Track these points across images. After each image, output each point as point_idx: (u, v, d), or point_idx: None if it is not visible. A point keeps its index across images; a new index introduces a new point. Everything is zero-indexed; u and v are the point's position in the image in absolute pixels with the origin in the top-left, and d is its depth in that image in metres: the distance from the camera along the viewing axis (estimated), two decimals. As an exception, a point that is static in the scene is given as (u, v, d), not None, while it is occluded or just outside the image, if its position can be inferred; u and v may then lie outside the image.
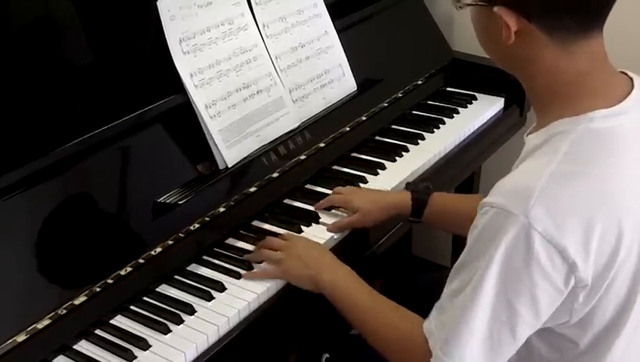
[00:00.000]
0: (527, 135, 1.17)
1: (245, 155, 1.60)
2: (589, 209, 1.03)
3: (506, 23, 1.06)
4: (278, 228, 1.54)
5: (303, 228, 1.54)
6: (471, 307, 1.06)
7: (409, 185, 1.64)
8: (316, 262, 1.38)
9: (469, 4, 1.14)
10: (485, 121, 2.04)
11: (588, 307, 1.08)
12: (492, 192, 1.09)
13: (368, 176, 1.73)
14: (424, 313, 1.27)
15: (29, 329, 1.19)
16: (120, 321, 1.31)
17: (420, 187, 1.60)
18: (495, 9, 1.07)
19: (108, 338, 1.27)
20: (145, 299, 1.35)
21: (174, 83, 1.51)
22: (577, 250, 1.02)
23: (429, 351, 1.12)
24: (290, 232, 1.51)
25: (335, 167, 1.78)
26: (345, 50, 1.88)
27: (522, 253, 1.02)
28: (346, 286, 1.33)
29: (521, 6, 1.05)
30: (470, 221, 1.49)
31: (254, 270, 1.41)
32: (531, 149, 1.11)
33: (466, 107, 2.08)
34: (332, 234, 1.52)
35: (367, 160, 1.81)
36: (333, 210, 1.60)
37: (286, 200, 1.65)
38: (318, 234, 1.52)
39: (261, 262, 1.43)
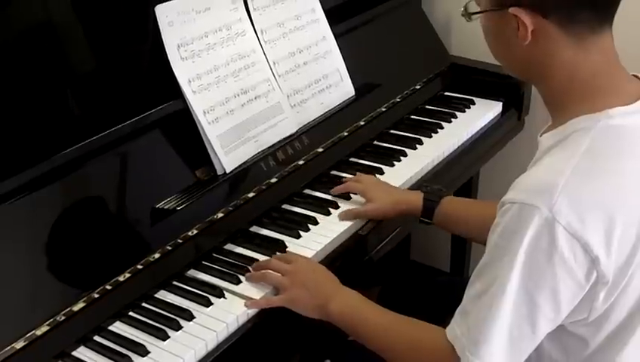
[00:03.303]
0: (541, 135, 1.17)
1: (244, 161, 1.60)
2: (611, 204, 1.04)
3: (522, 22, 1.08)
4: (277, 234, 1.54)
5: (301, 233, 1.54)
6: (497, 305, 1.07)
7: (423, 187, 1.65)
8: (322, 290, 1.35)
9: (480, 12, 1.16)
10: (483, 125, 2.04)
11: (607, 304, 1.08)
12: (511, 189, 1.09)
13: (367, 181, 1.73)
14: (424, 317, 1.27)
15: (28, 335, 1.19)
16: (118, 327, 1.31)
17: (434, 189, 1.62)
18: (510, 10, 1.08)
19: (106, 344, 1.27)
20: (143, 305, 1.35)
21: (172, 89, 1.51)
22: (600, 245, 1.03)
23: (457, 358, 1.12)
24: (293, 253, 1.47)
25: (333, 172, 1.78)
26: (343, 56, 1.88)
27: (545, 247, 1.03)
28: (357, 311, 1.31)
29: (537, 3, 1.07)
30: (479, 226, 1.49)
31: (257, 298, 1.36)
32: (549, 147, 1.12)
33: (464, 111, 2.08)
34: (330, 238, 1.52)
35: (365, 165, 1.81)
36: (332, 213, 1.60)
37: (285, 206, 1.65)
38: (317, 239, 1.52)
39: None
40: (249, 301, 1.35)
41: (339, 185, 1.70)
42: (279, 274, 1.38)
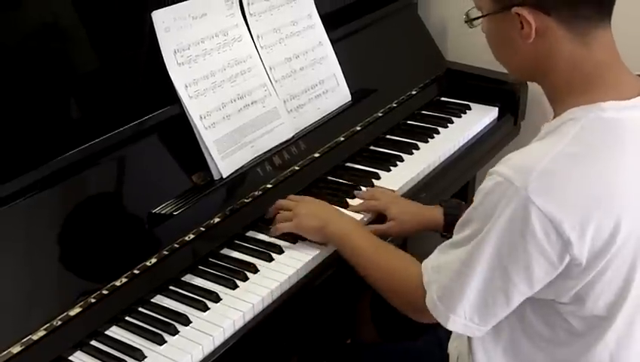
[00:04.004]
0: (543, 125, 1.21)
1: (240, 166, 1.60)
2: (591, 191, 1.07)
3: (526, 21, 1.10)
4: (274, 239, 1.54)
5: (298, 238, 1.53)
6: (469, 266, 1.12)
7: (442, 201, 1.66)
8: (323, 215, 1.51)
9: (483, 16, 1.18)
10: (479, 130, 2.05)
11: (579, 286, 1.11)
12: (501, 162, 1.13)
13: (363, 187, 1.73)
14: (416, 324, 1.29)
15: (24, 340, 1.19)
16: (115, 332, 1.31)
17: (453, 203, 1.64)
18: (513, 10, 1.11)
19: (103, 349, 1.27)
20: (140, 309, 1.35)
21: (169, 94, 1.52)
22: (573, 228, 1.05)
23: (424, 297, 1.20)
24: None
25: (330, 177, 1.78)
26: (339, 61, 1.89)
27: (520, 225, 1.06)
28: (351, 234, 1.45)
29: (539, 1, 1.09)
30: None
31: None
32: (543, 134, 1.15)
33: (460, 117, 2.08)
34: (325, 245, 1.52)
35: (361, 170, 1.82)
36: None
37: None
38: (313, 245, 1.52)
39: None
40: (272, 229, 1.53)
41: (335, 190, 1.71)
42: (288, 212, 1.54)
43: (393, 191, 1.71)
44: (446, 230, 1.59)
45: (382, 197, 1.65)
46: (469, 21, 1.22)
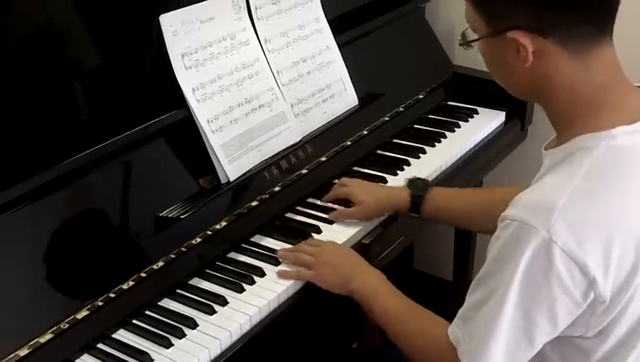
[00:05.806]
0: (546, 149, 1.18)
1: (247, 170, 1.60)
2: (610, 226, 1.04)
3: (522, 45, 1.07)
4: (280, 243, 1.54)
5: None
6: (496, 319, 1.08)
7: (408, 182, 1.67)
8: (346, 269, 1.43)
9: (479, 39, 1.15)
10: (486, 134, 2.05)
11: (605, 322, 1.08)
12: (512, 205, 1.09)
13: (370, 190, 1.73)
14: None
15: (32, 343, 1.19)
16: (122, 335, 1.31)
17: (419, 183, 1.65)
18: (509, 34, 1.08)
19: (110, 352, 1.27)
20: (147, 312, 1.36)
21: (176, 98, 1.52)
22: (598, 266, 1.03)
23: (456, 356, 1.15)
24: (320, 239, 1.54)
25: (336, 182, 1.78)
26: (346, 65, 1.89)
27: (543, 267, 1.03)
28: (375, 291, 1.37)
29: (535, 24, 1.07)
30: (466, 214, 1.57)
31: (288, 270, 1.44)
32: (552, 165, 1.12)
33: (467, 121, 2.08)
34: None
35: (368, 174, 1.82)
36: (334, 225, 1.61)
37: (288, 215, 1.65)
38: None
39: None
40: (282, 272, 1.44)
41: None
42: (309, 256, 1.45)
43: None
44: (412, 210, 1.60)
45: (348, 184, 1.67)
46: (466, 43, 1.19)
